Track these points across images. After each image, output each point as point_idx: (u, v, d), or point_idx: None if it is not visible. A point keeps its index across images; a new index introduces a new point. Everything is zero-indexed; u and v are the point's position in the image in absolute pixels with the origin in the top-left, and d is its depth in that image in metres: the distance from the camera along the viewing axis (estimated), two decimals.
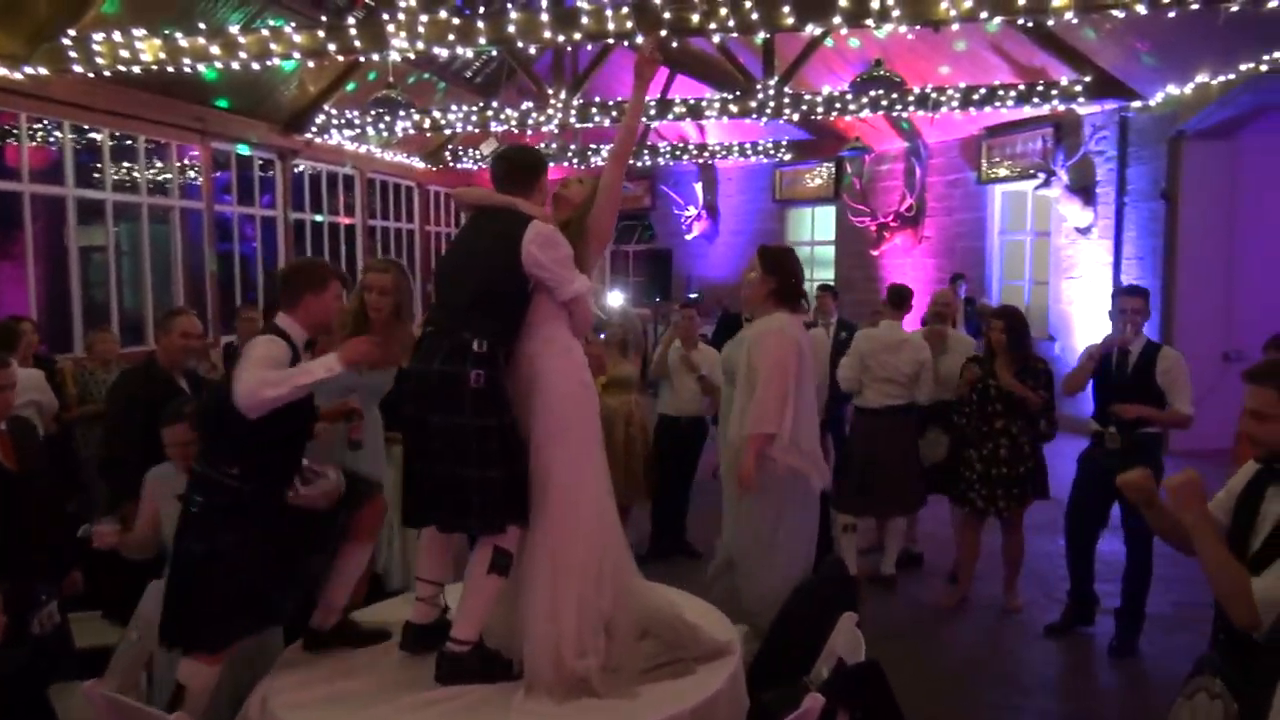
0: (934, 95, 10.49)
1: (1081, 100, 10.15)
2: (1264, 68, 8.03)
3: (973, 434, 5.49)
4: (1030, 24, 9.19)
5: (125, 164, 10.34)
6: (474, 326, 2.83)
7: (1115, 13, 6.72)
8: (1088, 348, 5.13)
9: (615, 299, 14.00)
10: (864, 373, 5.87)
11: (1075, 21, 7.35)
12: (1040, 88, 10.14)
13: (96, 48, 8.03)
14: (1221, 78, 8.66)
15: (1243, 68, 8.27)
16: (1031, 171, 11.44)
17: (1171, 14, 6.74)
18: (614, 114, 11.69)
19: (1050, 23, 8.80)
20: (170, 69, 8.30)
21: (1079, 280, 11.03)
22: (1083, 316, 10.86)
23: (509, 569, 2.89)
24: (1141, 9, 6.46)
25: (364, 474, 3.43)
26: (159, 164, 10.82)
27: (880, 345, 5.86)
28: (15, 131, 8.82)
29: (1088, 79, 9.95)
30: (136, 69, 8.22)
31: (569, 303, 2.98)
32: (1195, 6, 6.42)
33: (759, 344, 3.95)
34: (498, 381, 2.85)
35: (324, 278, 3.06)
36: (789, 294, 4.04)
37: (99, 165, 9.82)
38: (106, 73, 8.32)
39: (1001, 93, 10.30)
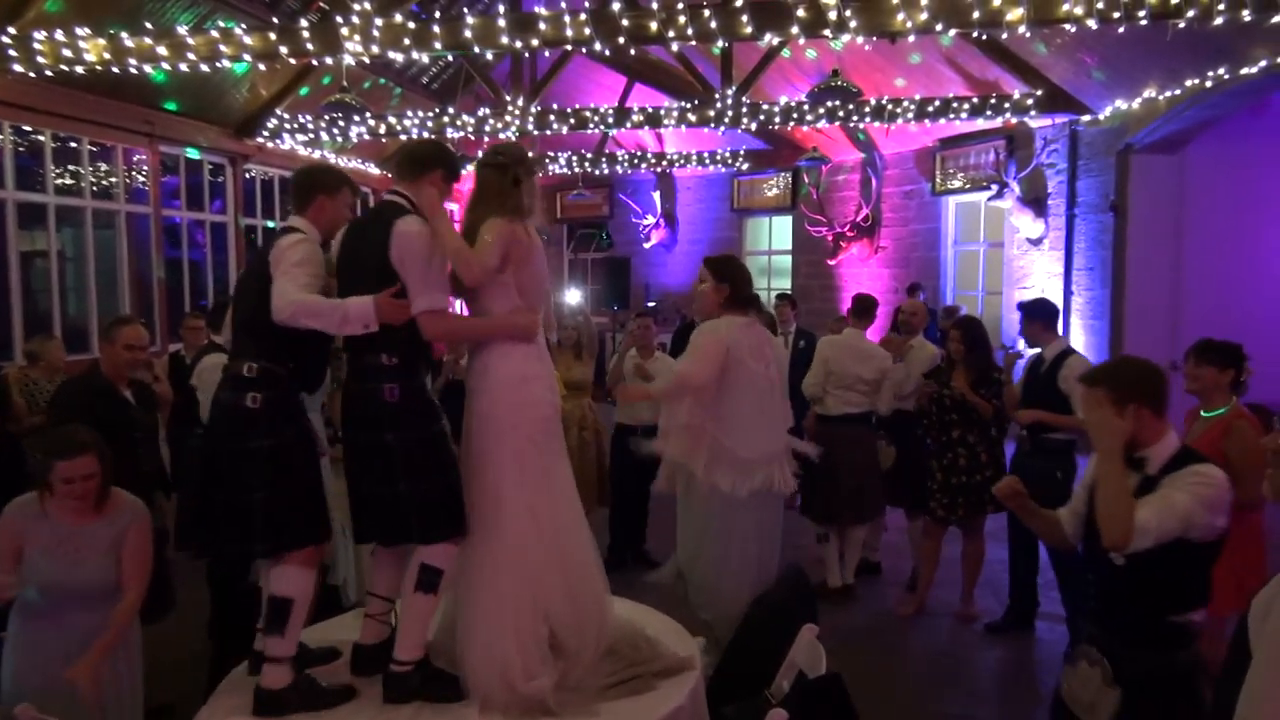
0: (889, 106, 10.59)
1: (1033, 113, 10.32)
2: (1209, 84, 8.22)
3: (932, 444, 5.54)
4: (983, 38, 9.35)
5: (70, 166, 10.06)
6: (380, 341, 2.73)
7: (1066, 27, 6.82)
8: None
9: (573, 296, 13.95)
10: (826, 378, 5.87)
11: (1027, 36, 7.46)
12: (993, 101, 10.29)
13: (38, 46, 7.80)
14: (1168, 93, 8.85)
15: (1189, 83, 8.46)
16: (984, 183, 11.59)
17: (1120, 29, 6.85)
18: (572, 121, 11.64)
19: (1003, 36, 8.94)
20: (116, 69, 8.09)
21: (1031, 290, 11.17)
22: None
23: (438, 586, 2.80)
24: (1091, 23, 6.56)
25: None
26: (104, 167, 10.55)
27: (845, 351, 5.88)
28: None
29: (1039, 93, 10.12)
30: (80, 69, 8.00)
31: (416, 316, 2.73)
32: (1144, 22, 6.54)
33: (690, 344, 4.15)
34: (417, 392, 2.79)
35: (338, 181, 3.02)
36: (743, 300, 4.15)
37: (41, 168, 9.54)
38: (49, 72, 8.09)
39: (955, 105, 10.44)
